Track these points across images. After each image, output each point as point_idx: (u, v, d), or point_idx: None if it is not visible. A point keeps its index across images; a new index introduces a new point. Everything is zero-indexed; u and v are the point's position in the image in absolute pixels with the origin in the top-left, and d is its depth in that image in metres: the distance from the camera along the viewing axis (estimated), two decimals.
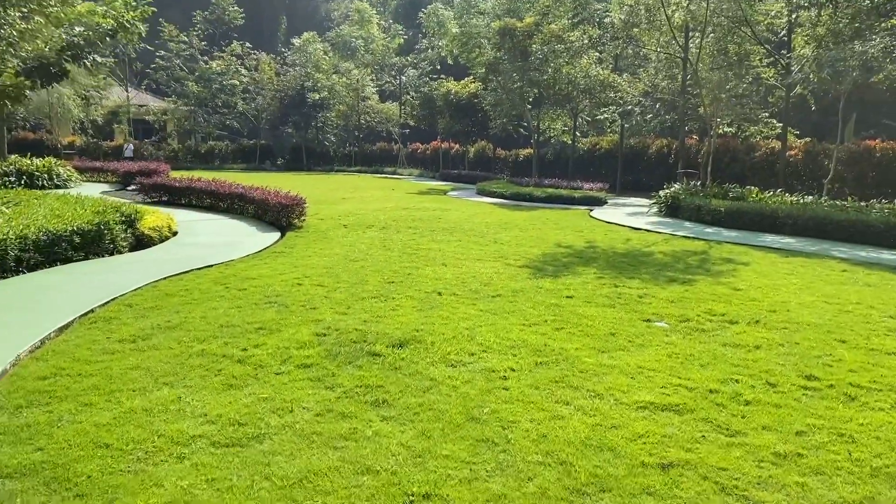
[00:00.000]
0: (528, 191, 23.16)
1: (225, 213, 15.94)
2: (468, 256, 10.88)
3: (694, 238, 13.93)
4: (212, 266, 9.62)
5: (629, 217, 17.95)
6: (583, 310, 7.40)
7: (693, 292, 8.42)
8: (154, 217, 12.31)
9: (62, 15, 9.15)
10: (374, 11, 49.31)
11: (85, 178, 25.50)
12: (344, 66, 49.41)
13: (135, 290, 7.98)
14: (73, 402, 4.57)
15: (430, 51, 46.82)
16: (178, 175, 22.21)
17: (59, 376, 5.07)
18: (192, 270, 9.26)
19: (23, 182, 20.66)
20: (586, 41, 29.46)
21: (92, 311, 7.02)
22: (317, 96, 45.41)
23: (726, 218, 15.76)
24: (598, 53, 30.37)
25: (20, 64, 8.60)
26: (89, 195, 14.90)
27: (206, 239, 12.15)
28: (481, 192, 25.17)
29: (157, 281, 8.51)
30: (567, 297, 8.08)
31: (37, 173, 21.18)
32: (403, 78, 44.69)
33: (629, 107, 26.23)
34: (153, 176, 21.85)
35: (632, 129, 28.65)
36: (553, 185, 25.22)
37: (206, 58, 44.89)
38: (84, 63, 8.82)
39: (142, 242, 11.29)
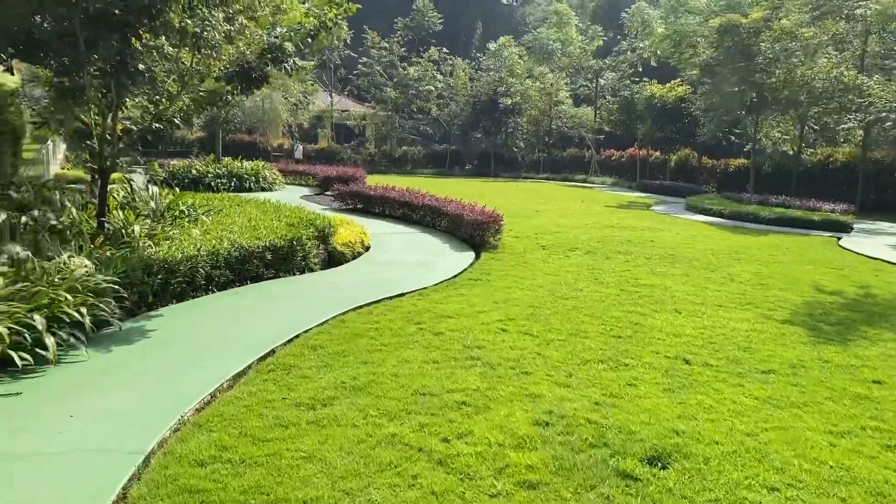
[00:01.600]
0: (752, 210, 19.97)
1: (417, 226, 15.09)
2: (705, 300, 8.76)
3: None
4: (404, 295, 8.50)
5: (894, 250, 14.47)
6: None
7: None
8: (347, 231, 11.60)
9: (271, 19, 8.47)
10: (573, 13, 47.30)
11: (288, 181, 26.48)
12: (538, 71, 48.07)
13: (321, 324, 7.00)
14: None
15: (628, 53, 43.94)
16: (373, 181, 22.10)
17: (219, 462, 3.99)
18: (382, 300, 8.19)
19: (233, 184, 21.65)
20: (825, 38, 25.31)
21: (272, 352, 6.07)
22: (509, 101, 44.47)
23: None
24: (836, 52, 25.99)
25: (223, 68, 7.99)
26: (287, 203, 14.79)
27: (397, 256, 11.19)
28: (692, 209, 22.33)
29: (345, 313, 7.50)
30: (874, 381, 5.79)
31: (245, 176, 22.12)
32: (602, 81, 42.15)
33: (883, 113, 21.84)
34: (350, 182, 21.89)
35: (884, 140, 23.99)
36: (782, 203, 21.66)
37: (404, 64, 45.80)
38: (284, 67, 8.01)
39: (333, 259, 10.57)
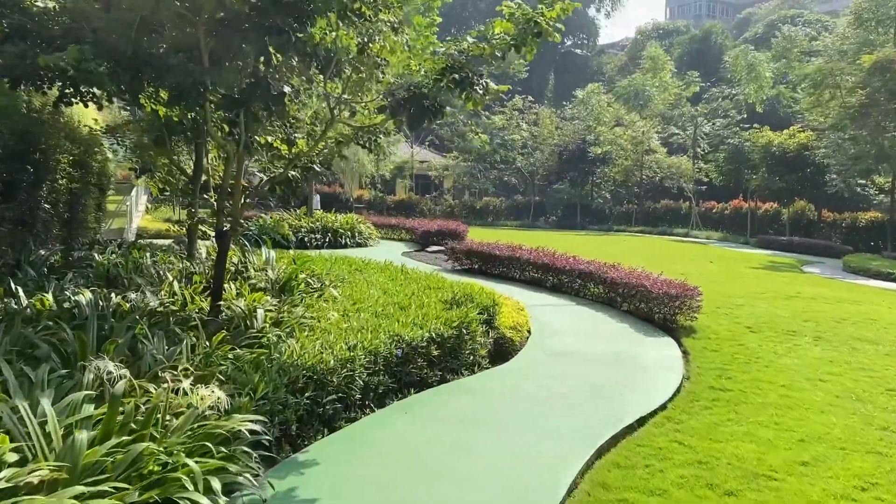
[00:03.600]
0: None
1: (558, 294, 12.44)
2: None
3: None
4: (644, 422, 5.79)
5: None
6: None
7: None
8: (508, 308, 9.03)
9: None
10: (669, 58, 44.75)
11: (380, 235, 24.38)
12: (627, 119, 45.49)
13: (570, 489, 4.35)
14: None
15: (728, 100, 40.99)
16: (477, 236, 19.68)
17: None
18: (622, 432, 5.48)
19: (327, 240, 19.59)
20: None
21: None
22: (598, 150, 41.86)
23: None
24: None
25: (385, 96, 5.65)
26: (403, 264, 12.43)
27: (576, 343, 8.51)
28: (858, 271, 18.91)
29: (588, 460, 4.83)
30: None
31: (340, 230, 20.06)
32: (705, 129, 39.04)
33: None
34: (456, 237, 19.53)
35: None
36: None
37: (487, 112, 43.97)
38: (473, 90, 5.60)
39: (501, 348, 7.97)
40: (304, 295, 7.87)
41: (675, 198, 43.66)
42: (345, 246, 19.67)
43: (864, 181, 33.04)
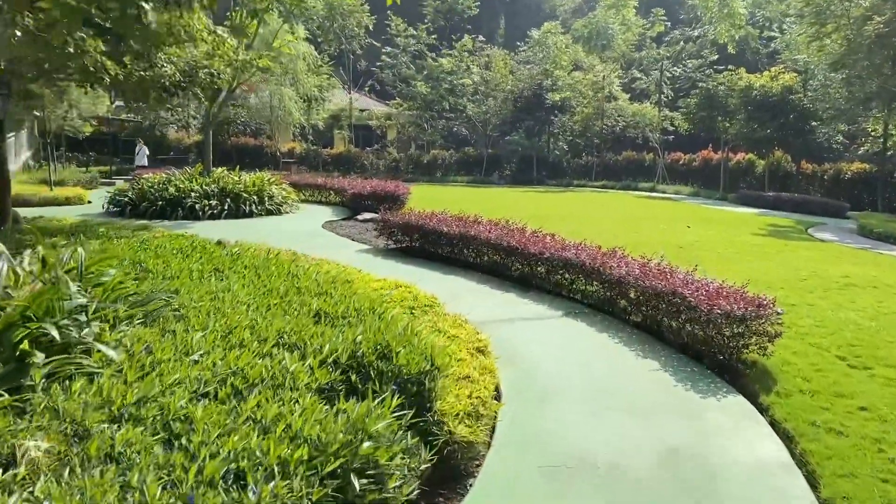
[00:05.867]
0: None
1: (526, 290, 8.56)
2: None
3: None
4: None
5: None
6: None
7: None
8: (461, 344, 5.05)
9: None
10: None
11: (302, 198, 20.02)
12: (587, 62, 41.38)
13: None
14: None
15: (685, 43, 37.28)
16: (423, 205, 15.62)
17: None
18: None
19: (227, 207, 15.16)
20: None
21: None
22: (556, 97, 37.78)
23: None
24: None
25: None
26: (312, 255, 8.32)
27: (586, 430, 4.60)
28: (878, 236, 15.61)
29: None
30: None
31: (244, 195, 15.60)
32: (673, 72, 35.29)
33: None
34: (392, 203, 15.38)
35: None
36: None
37: (433, 55, 39.20)
38: None
39: (445, 462, 3.98)
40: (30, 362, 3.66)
41: (639, 149, 40.15)
42: (249, 215, 15.31)
43: (847, 128, 30.12)
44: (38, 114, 22.13)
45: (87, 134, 24.74)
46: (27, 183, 20.38)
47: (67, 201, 17.24)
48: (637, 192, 33.14)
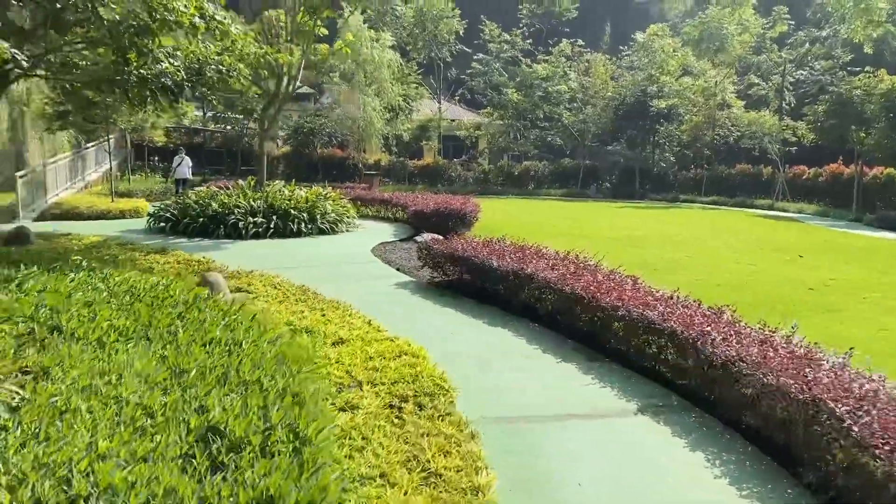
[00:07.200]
0: None
1: (589, 353, 6.31)
2: None
3: None
4: None
5: None
6: None
7: None
8: None
9: None
10: None
11: (368, 214, 18.50)
12: (697, 67, 37.82)
13: None
14: None
15: (810, 45, 32.87)
16: (487, 210, 13.56)
17: None
18: None
19: (272, 225, 13.74)
20: None
21: None
22: (662, 104, 34.57)
23: None
24: None
25: None
26: (336, 299, 6.50)
27: None
28: None
29: None
30: None
31: (293, 212, 14.13)
32: (797, 76, 31.26)
33: None
34: (461, 221, 13.46)
35: None
36: None
37: (528, 60, 36.98)
38: None
39: None
40: None
41: (755, 162, 36.05)
42: (298, 234, 13.82)
43: None
44: (122, 126, 21.94)
45: (158, 143, 24.43)
46: (99, 194, 20.01)
47: (122, 214, 16.52)
48: (753, 210, 29.44)
